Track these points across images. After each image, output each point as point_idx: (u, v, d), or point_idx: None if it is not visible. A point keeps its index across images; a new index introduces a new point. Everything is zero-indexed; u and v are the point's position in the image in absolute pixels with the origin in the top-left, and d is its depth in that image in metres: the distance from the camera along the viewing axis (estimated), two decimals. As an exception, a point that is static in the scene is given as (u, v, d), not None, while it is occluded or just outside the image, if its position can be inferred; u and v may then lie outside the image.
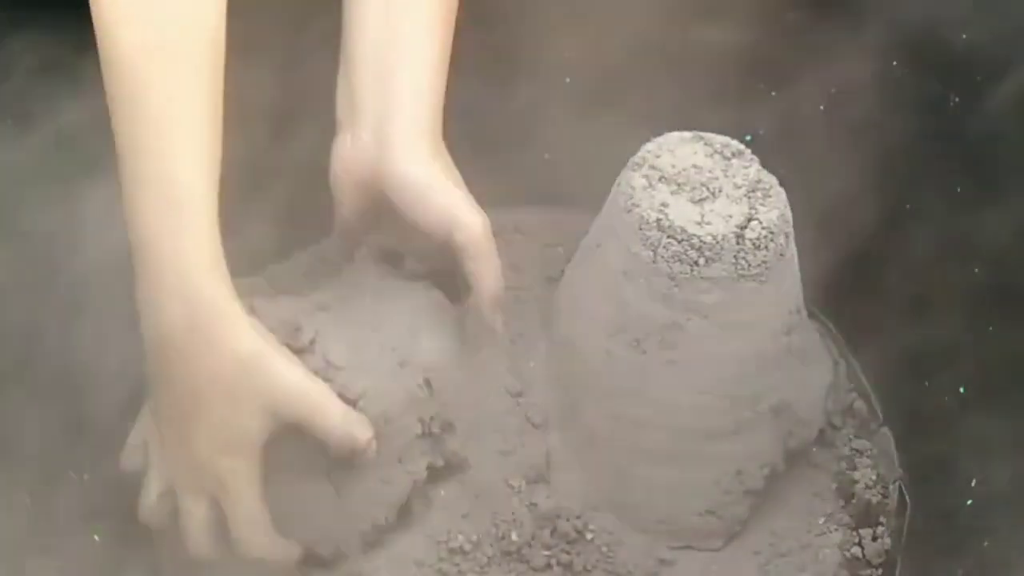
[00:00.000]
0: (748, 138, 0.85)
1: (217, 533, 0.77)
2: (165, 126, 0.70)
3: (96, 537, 0.81)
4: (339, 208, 0.85)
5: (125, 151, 0.71)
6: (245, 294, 0.75)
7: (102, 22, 0.70)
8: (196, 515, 0.77)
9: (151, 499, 0.79)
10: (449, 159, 0.81)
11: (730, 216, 0.78)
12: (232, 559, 0.78)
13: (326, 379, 0.77)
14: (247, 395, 0.73)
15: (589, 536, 0.86)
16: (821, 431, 0.91)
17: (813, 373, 0.88)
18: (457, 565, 0.84)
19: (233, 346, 0.72)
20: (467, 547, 0.85)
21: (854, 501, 0.90)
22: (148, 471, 0.79)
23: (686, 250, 0.77)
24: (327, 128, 0.84)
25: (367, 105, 0.80)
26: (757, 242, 0.77)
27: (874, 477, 0.91)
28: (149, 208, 0.71)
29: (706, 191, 0.79)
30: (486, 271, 0.80)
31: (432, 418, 0.82)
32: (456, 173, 0.81)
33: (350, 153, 0.82)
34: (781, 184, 0.81)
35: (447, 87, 0.82)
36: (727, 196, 0.79)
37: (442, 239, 0.80)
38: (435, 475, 0.85)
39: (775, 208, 0.79)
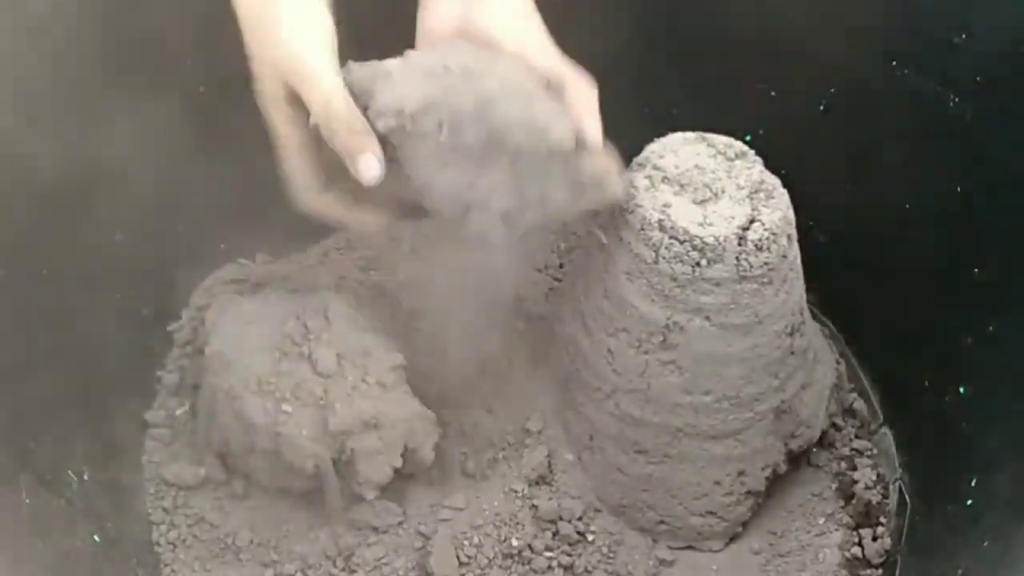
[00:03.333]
0: (748, 138, 0.85)
1: None
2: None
3: (96, 537, 0.81)
4: None
5: None
6: None
7: None
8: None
9: None
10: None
11: (732, 217, 0.78)
12: None
13: None
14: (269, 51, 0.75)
15: (590, 537, 0.87)
16: (823, 432, 0.91)
17: (816, 374, 0.88)
18: (459, 568, 0.84)
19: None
20: (469, 550, 0.85)
21: (854, 501, 0.90)
22: None
23: (688, 251, 0.77)
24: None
25: None
26: (759, 243, 0.77)
27: (874, 477, 0.91)
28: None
29: (709, 192, 0.79)
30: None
31: None
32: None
33: (434, 17, 0.80)
34: (781, 184, 0.81)
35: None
36: (730, 197, 0.79)
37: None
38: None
39: (778, 209, 0.79)
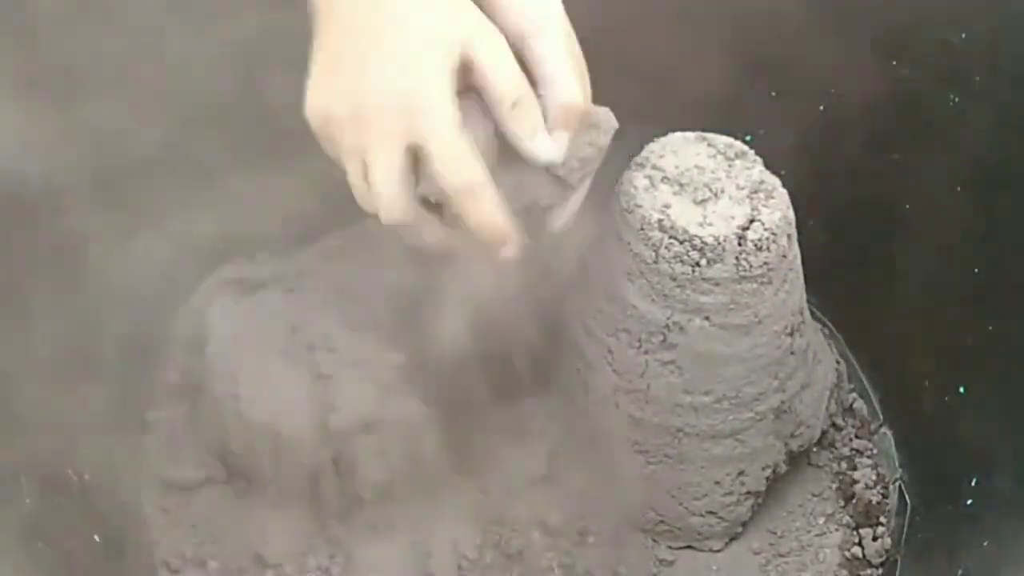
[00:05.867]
0: (748, 138, 0.85)
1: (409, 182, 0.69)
2: None
3: (96, 537, 0.81)
4: None
5: None
6: None
7: None
8: (390, 166, 0.68)
9: (358, 182, 0.70)
10: None
11: (732, 217, 0.78)
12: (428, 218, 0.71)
13: None
14: (437, 12, 0.67)
15: (591, 538, 0.86)
16: (823, 432, 0.91)
17: (816, 374, 0.88)
18: (459, 568, 0.84)
19: None
20: (469, 550, 0.85)
21: (854, 501, 0.90)
22: (340, 159, 0.71)
23: (688, 251, 0.77)
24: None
25: None
26: (759, 243, 0.77)
27: (874, 477, 0.91)
28: None
29: (708, 192, 0.79)
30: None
31: None
32: None
33: None
34: (781, 185, 0.81)
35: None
36: (729, 197, 0.79)
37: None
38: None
39: (778, 209, 0.79)
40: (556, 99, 0.70)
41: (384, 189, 0.68)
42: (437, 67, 0.66)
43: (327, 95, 0.69)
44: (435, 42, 0.66)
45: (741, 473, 0.85)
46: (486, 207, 0.69)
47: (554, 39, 0.70)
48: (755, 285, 0.78)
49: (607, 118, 0.75)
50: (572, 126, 0.71)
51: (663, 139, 0.82)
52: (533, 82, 0.71)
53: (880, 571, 0.88)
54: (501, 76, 0.68)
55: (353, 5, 0.68)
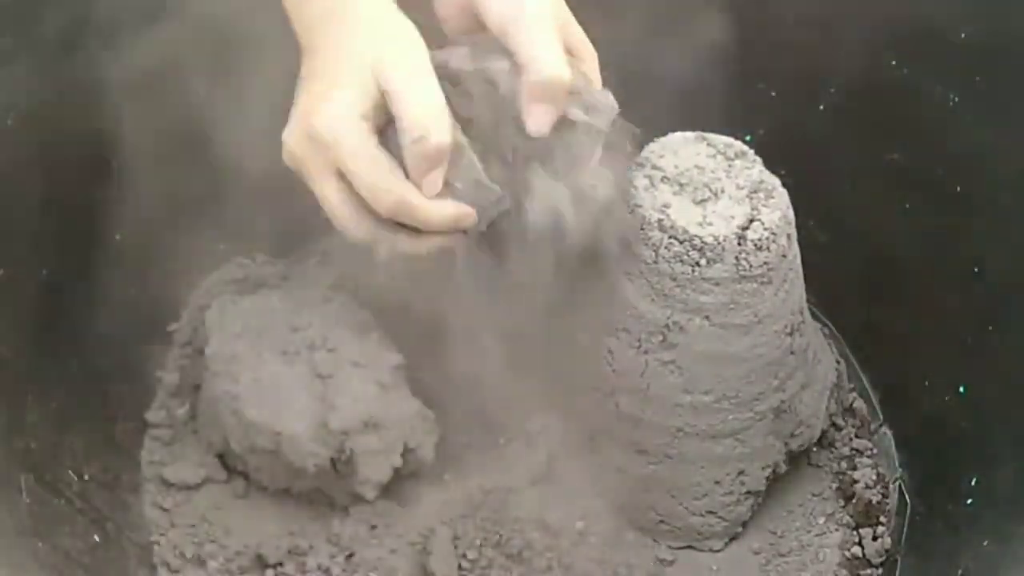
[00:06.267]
0: (748, 138, 0.85)
1: (355, 206, 0.72)
2: None
3: (96, 537, 0.81)
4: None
5: None
6: None
7: None
8: (329, 196, 0.72)
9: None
10: None
11: (732, 217, 0.78)
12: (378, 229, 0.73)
13: None
14: (360, 50, 0.71)
15: (591, 538, 0.86)
16: (823, 432, 0.91)
17: (816, 374, 0.88)
18: (459, 568, 0.84)
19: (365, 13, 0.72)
20: (469, 550, 0.85)
21: (854, 501, 0.90)
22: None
23: (688, 251, 0.77)
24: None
25: None
26: (759, 243, 0.77)
27: (874, 477, 0.91)
28: None
29: (708, 192, 0.79)
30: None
31: None
32: None
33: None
34: (781, 184, 0.81)
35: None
36: (729, 197, 0.79)
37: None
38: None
39: (777, 209, 0.79)
40: (534, 76, 0.71)
41: (333, 214, 0.73)
42: (350, 103, 0.70)
43: (285, 138, 0.73)
44: (351, 77, 0.70)
45: (741, 473, 0.85)
46: (423, 211, 0.71)
47: (531, 23, 0.71)
48: (755, 285, 0.78)
49: (605, 100, 0.74)
50: (553, 101, 0.71)
51: (663, 139, 0.83)
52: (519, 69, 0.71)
53: (880, 571, 0.88)
54: (406, 110, 0.70)
55: (309, 48, 0.73)
